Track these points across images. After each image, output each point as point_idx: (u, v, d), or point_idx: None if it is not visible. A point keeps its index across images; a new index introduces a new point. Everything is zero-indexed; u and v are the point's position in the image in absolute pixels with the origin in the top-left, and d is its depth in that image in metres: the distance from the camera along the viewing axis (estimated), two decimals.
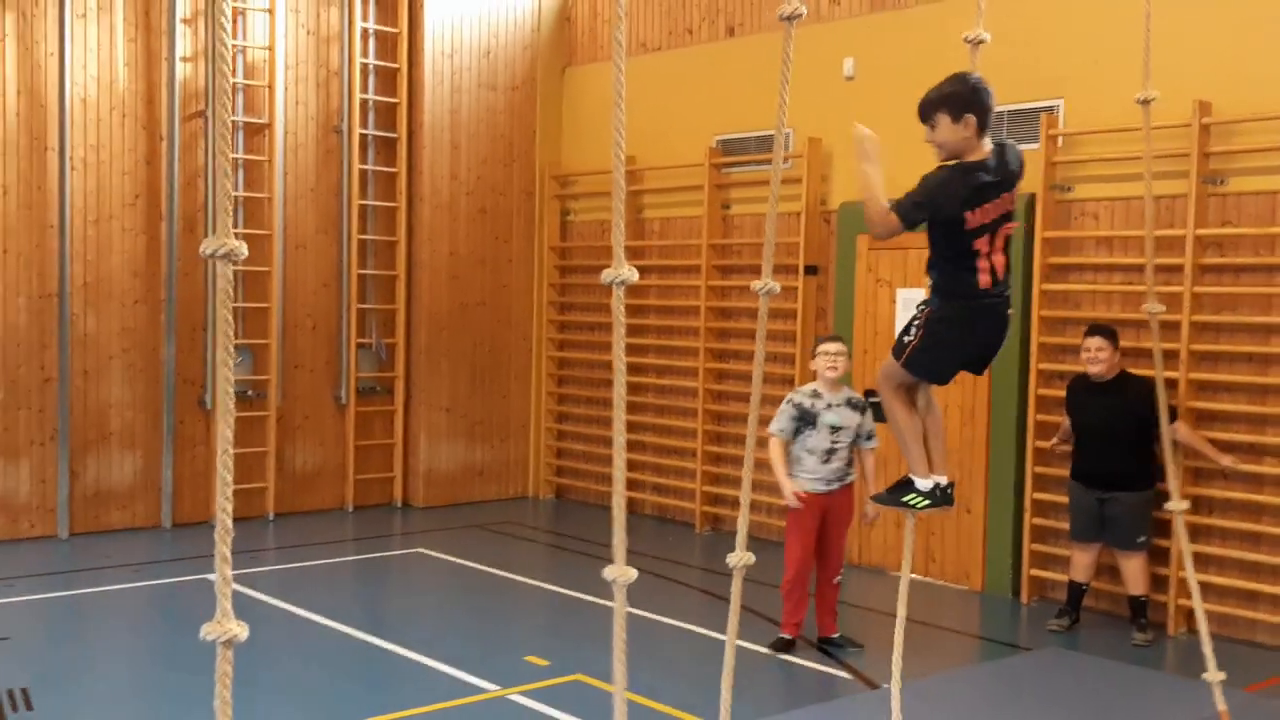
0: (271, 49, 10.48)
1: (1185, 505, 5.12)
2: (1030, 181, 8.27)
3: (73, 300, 9.70)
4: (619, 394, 3.11)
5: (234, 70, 10.41)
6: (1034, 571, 8.30)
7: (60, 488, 9.69)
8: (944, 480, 4.20)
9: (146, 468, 10.13)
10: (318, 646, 7.03)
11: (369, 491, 11.35)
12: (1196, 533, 7.61)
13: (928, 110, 3.92)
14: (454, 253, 11.47)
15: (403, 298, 11.37)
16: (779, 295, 10.47)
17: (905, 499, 4.24)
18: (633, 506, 11.32)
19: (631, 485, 11.30)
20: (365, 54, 11.14)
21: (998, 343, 4.09)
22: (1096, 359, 7.43)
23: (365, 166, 11.19)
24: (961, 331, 3.98)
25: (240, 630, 2.62)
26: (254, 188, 10.57)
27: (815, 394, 6.95)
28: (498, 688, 6.25)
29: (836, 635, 7.19)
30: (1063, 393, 8.05)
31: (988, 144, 3.89)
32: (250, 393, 10.61)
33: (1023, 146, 8.44)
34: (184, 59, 10.12)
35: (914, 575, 8.97)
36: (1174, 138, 7.59)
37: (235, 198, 10.45)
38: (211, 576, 8.73)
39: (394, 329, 11.40)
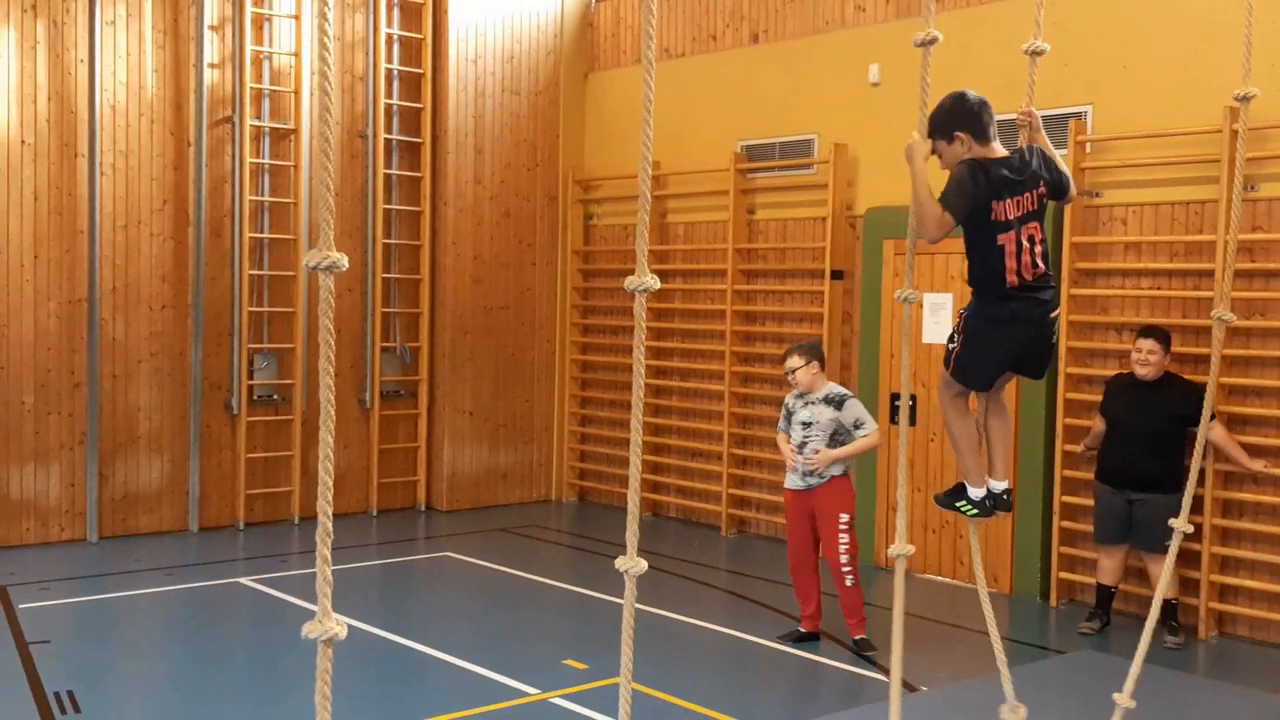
0: (298, 55, 10.54)
1: (1189, 528, 5.12)
2: None
3: (102, 305, 9.75)
4: (637, 395, 3.19)
5: (260, 76, 10.47)
6: (1063, 574, 8.34)
7: (89, 491, 9.74)
8: (999, 486, 4.29)
9: (174, 471, 10.18)
10: (355, 651, 7.06)
11: (393, 495, 11.40)
12: (1227, 536, 7.66)
13: (931, 137, 4.07)
14: (478, 256, 11.52)
15: (426, 301, 11.43)
16: (807, 300, 10.54)
17: (958, 505, 4.36)
18: (657, 509, 11.37)
19: (656, 488, 11.36)
20: (390, 59, 11.20)
21: (1042, 348, 4.14)
22: (1147, 361, 7.47)
23: (390, 171, 11.25)
24: (994, 331, 4.05)
25: (340, 629, 2.68)
26: (279, 193, 10.62)
27: (799, 394, 7.35)
28: (538, 691, 6.29)
29: (856, 639, 7.25)
30: (1092, 396, 8.10)
31: (999, 148, 4.02)
32: (275, 397, 10.67)
33: None
34: (211, 65, 10.18)
35: (942, 578, 9.05)
36: (1205, 143, 7.63)
37: (260, 202, 10.51)
38: (244, 580, 8.85)
39: (418, 332, 11.45)
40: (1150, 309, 8.06)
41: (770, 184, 10.39)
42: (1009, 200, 3.95)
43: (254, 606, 8.20)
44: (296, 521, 10.65)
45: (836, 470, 7.19)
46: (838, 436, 7.16)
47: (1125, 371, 7.74)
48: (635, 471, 3.10)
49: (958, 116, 3.99)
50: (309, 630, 2.66)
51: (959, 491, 4.35)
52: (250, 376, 10.48)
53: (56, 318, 9.61)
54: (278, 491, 10.63)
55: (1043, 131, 4.20)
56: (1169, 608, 7.50)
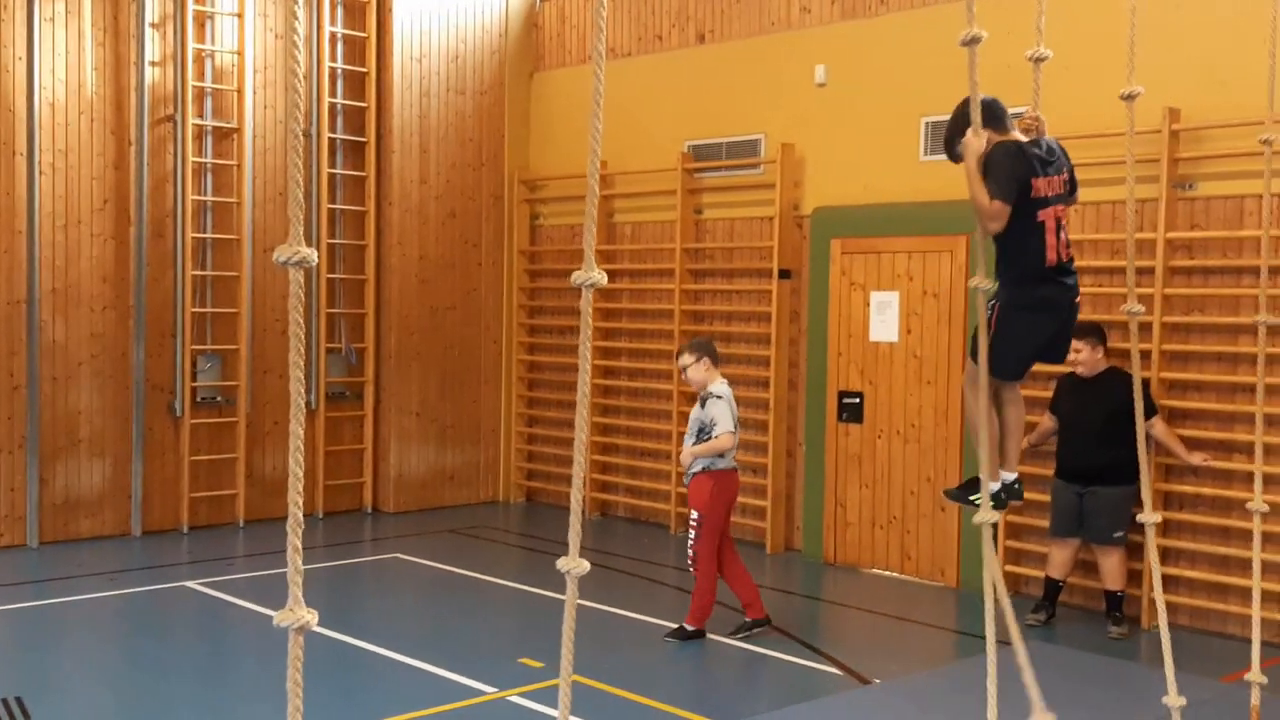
0: (240, 53, 10.43)
1: (1157, 518, 5.26)
2: None
3: (42, 306, 9.59)
4: (582, 392, 3.20)
5: (202, 74, 10.35)
6: (1009, 568, 8.46)
7: (29, 496, 9.57)
8: (1010, 477, 4.37)
9: (116, 475, 10.03)
10: (308, 653, 6.99)
11: (339, 497, 11.32)
12: (1168, 528, 7.81)
13: (949, 150, 4.26)
14: (423, 257, 11.47)
15: (372, 302, 11.35)
16: (755, 299, 10.64)
17: (972, 498, 4.37)
18: (606, 509, 11.38)
19: (605, 488, 11.38)
20: (334, 58, 11.12)
21: (1069, 332, 4.31)
22: (1075, 360, 7.61)
23: (334, 170, 11.17)
24: (1030, 317, 4.16)
25: (310, 617, 2.68)
26: (222, 192, 10.50)
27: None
28: (495, 690, 6.28)
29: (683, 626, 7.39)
30: (1038, 392, 8.22)
31: (1018, 134, 4.21)
32: (219, 398, 10.54)
33: None
34: (152, 63, 10.04)
35: (890, 572, 9.15)
36: (1145, 143, 7.77)
37: (203, 202, 10.39)
38: (190, 584, 8.76)
39: (363, 333, 11.37)
40: (1092, 306, 8.19)
41: (717, 184, 10.44)
42: (1044, 179, 4.11)
43: (201, 610, 8.10)
44: (241, 524, 10.53)
45: (698, 467, 7.30)
46: (702, 434, 7.27)
47: (1070, 371, 7.89)
48: (579, 469, 3.10)
49: (967, 116, 4.01)
50: (280, 619, 2.66)
51: (973, 486, 4.37)
52: (193, 378, 10.35)
53: None
54: (222, 494, 10.51)
55: (1048, 138, 4.35)
56: (1114, 599, 7.65)
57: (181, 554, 9.62)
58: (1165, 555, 7.83)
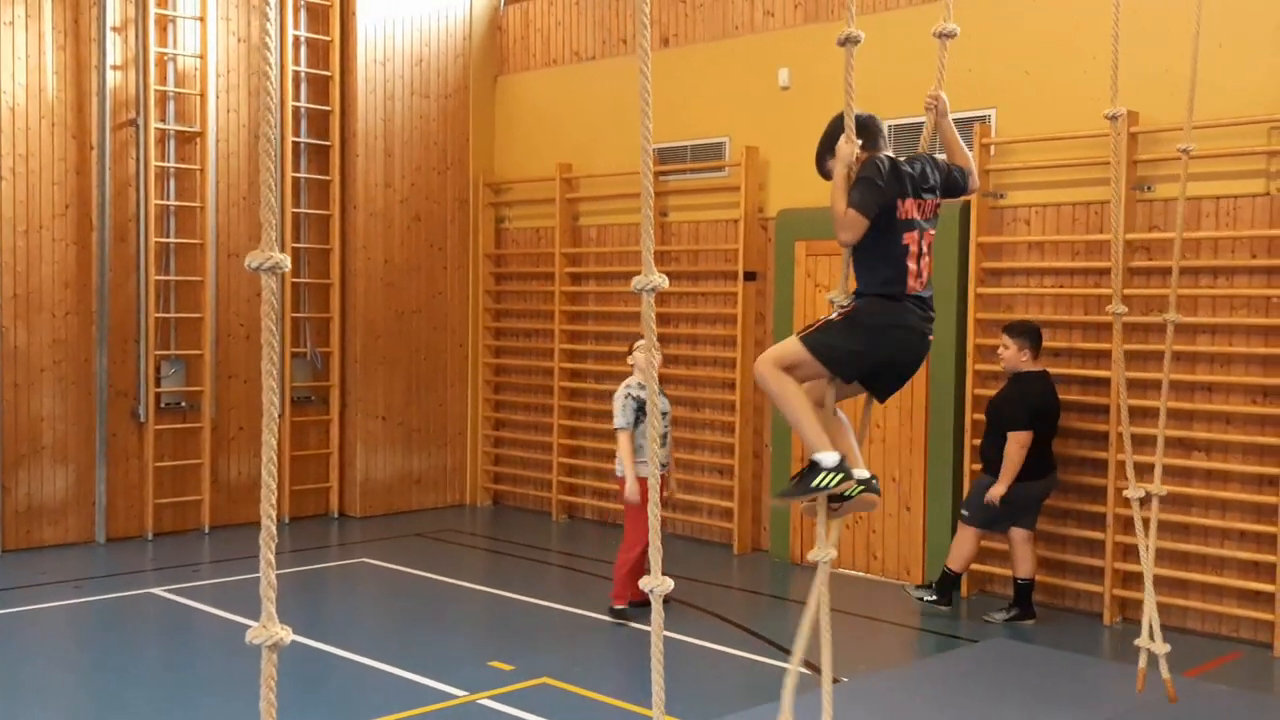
0: (203, 57, 10.39)
1: (1140, 493, 5.41)
2: None
3: (3, 312, 9.51)
4: (652, 403, 3.23)
5: (164, 78, 10.29)
6: (973, 566, 8.53)
7: None
8: (865, 473, 3.88)
9: (79, 482, 9.96)
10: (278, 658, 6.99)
11: (305, 502, 11.27)
12: (1128, 524, 7.90)
13: (819, 166, 4.08)
14: (389, 260, 11.45)
15: (337, 306, 11.32)
16: (720, 301, 10.67)
17: (815, 482, 3.79)
18: (573, 511, 11.40)
19: (572, 490, 11.40)
20: (297, 61, 11.08)
21: (913, 360, 3.98)
22: (999, 355, 7.93)
23: (298, 174, 11.13)
24: (882, 329, 3.87)
25: (285, 634, 2.67)
26: (186, 197, 10.45)
27: (641, 385, 7.85)
28: (466, 693, 6.29)
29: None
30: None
31: (890, 153, 4.05)
32: (183, 404, 10.49)
33: None
34: (114, 67, 9.98)
35: (856, 572, 9.21)
36: (1103, 146, 7.88)
37: (166, 206, 10.34)
38: (156, 590, 8.69)
39: (329, 338, 11.34)
40: (1054, 306, 8.31)
41: (682, 187, 10.49)
42: (913, 201, 3.92)
43: (167, 617, 8.07)
44: (207, 530, 10.47)
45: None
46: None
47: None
48: (654, 480, 3.12)
49: (838, 131, 3.96)
50: (253, 636, 2.64)
51: (810, 471, 3.80)
52: (157, 384, 10.29)
53: None
54: (187, 500, 10.45)
55: (949, 117, 4.21)
56: (1023, 587, 7.89)
57: (146, 561, 9.56)
58: (1126, 551, 7.94)
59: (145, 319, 10.14)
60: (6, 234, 9.52)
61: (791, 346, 3.94)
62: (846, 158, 3.91)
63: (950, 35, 4.16)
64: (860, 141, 3.93)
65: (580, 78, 11.27)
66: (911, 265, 3.89)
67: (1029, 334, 7.83)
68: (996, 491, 7.70)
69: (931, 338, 4.05)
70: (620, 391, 7.95)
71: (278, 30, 10.85)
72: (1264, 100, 7.40)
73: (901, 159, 4.00)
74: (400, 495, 11.63)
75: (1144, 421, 7.85)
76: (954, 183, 4.18)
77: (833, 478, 3.76)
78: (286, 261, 2.62)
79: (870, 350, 3.90)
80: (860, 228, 3.85)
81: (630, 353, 8.18)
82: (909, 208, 3.91)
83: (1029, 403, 7.73)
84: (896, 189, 3.89)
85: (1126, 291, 7.81)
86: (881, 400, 4.14)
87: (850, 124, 3.88)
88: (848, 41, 4.01)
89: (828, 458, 3.77)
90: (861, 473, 3.85)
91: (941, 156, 4.26)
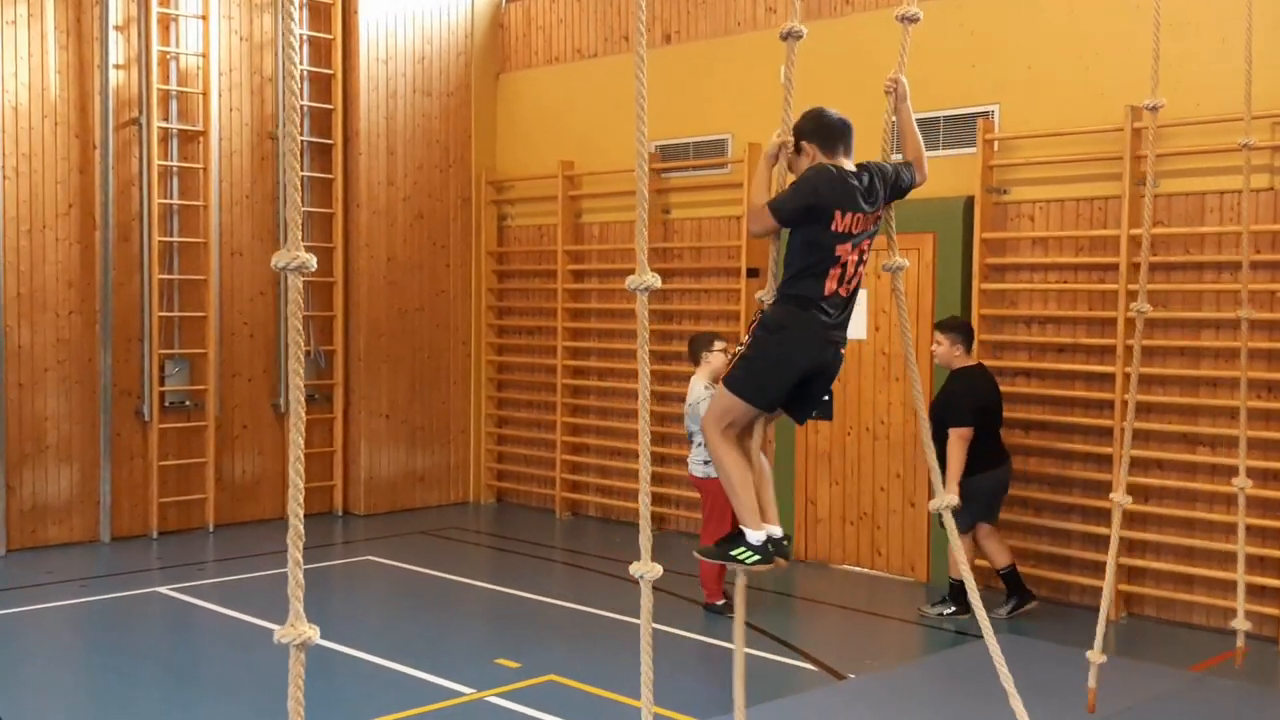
0: (206, 55, 10.38)
1: (1127, 500, 5.41)
2: (968, 184, 8.58)
3: (6, 312, 9.51)
4: (644, 400, 3.26)
5: (167, 77, 10.29)
6: (979, 562, 8.55)
7: None
8: (778, 532, 3.93)
9: (84, 481, 9.96)
10: (280, 657, 7.00)
11: (309, 500, 11.23)
12: (1133, 520, 7.93)
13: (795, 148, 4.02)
14: (392, 259, 11.46)
15: (341, 304, 11.33)
16: (723, 298, 10.65)
17: (735, 553, 3.91)
18: (576, 508, 11.42)
19: (576, 487, 11.41)
20: (300, 60, 11.08)
21: (827, 369, 3.92)
22: (933, 351, 7.93)
23: (301, 173, 11.11)
24: (796, 341, 3.82)
25: (312, 632, 2.68)
26: (189, 195, 10.45)
27: (707, 386, 7.62)
28: (473, 691, 6.31)
29: (722, 602, 7.84)
30: (1003, 387, 8.35)
31: (848, 163, 3.95)
32: (187, 403, 10.49)
33: (960, 151, 8.73)
34: (117, 66, 9.98)
35: (861, 568, 9.23)
36: (1108, 141, 7.91)
37: (169, 205, 10.34)
38: (162, 589, 8.69)
39: (332, 336, 11.35)
40: (1057, 302, 8.33)
41: (685, 184, 10.49)
42: (852, 215, 3.81)
43: (172, 616, 8.08)
44: (211, 529, 10.48)
45: None
46: None
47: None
48: (645, 485, 3.17)
49: (804, 129, 3.98)
50: (282, 635, 2.66)
51: (735, 540, 3.91)
52: (161, 383, 10.29)
53: None
54: (191, 499, 10.46)
55: (908, 101, 4.13)
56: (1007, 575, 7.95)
57: (151, 559, 9.57)
58: (1131, 547, 7.96)
59: (149, 318, 10.14)
60: (10, 233, 9.52)
61: (722, 397, 3.90)
62: (772, 150, 3.92)
63: (913, 20, 4.09)
64: (815, 143, 3.94)
65: (582, 75, 11.27)
66: (834, 271, 3.81)
67: (960, 329, 7.87)
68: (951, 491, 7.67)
69: (843, 350, 3.96)
70: (699, 390, 7.69)
71: (274, 31, 10.85)
72: (1270, 96, 7.41)
73: (849, 169, 3.93)
74: (404, 493, 11.64)
75: (1149, 417, 7.88)
76: (900, 185, 4.04)
77: (751, 557, 3.88)
78: (313, 261, 2.64)
79: (781, 366, 3.84)
80: (767, 226, 3.85)
81: (710, 350, 7.81)
82: (847, 221, 3.82)
83: (973, 398, 7.71)
84: (834, 200, 3.80)
85: (1130, 287, 7.84)
86: (800, 422, 4.21)
87: (788, 116, 3.89)
88: (789, 36, 4.00)
89: (755, 536, 3.89)
90: (775, 530, 3.93)
91: (896, 157, 4.15)
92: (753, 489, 3.88)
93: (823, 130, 3.97)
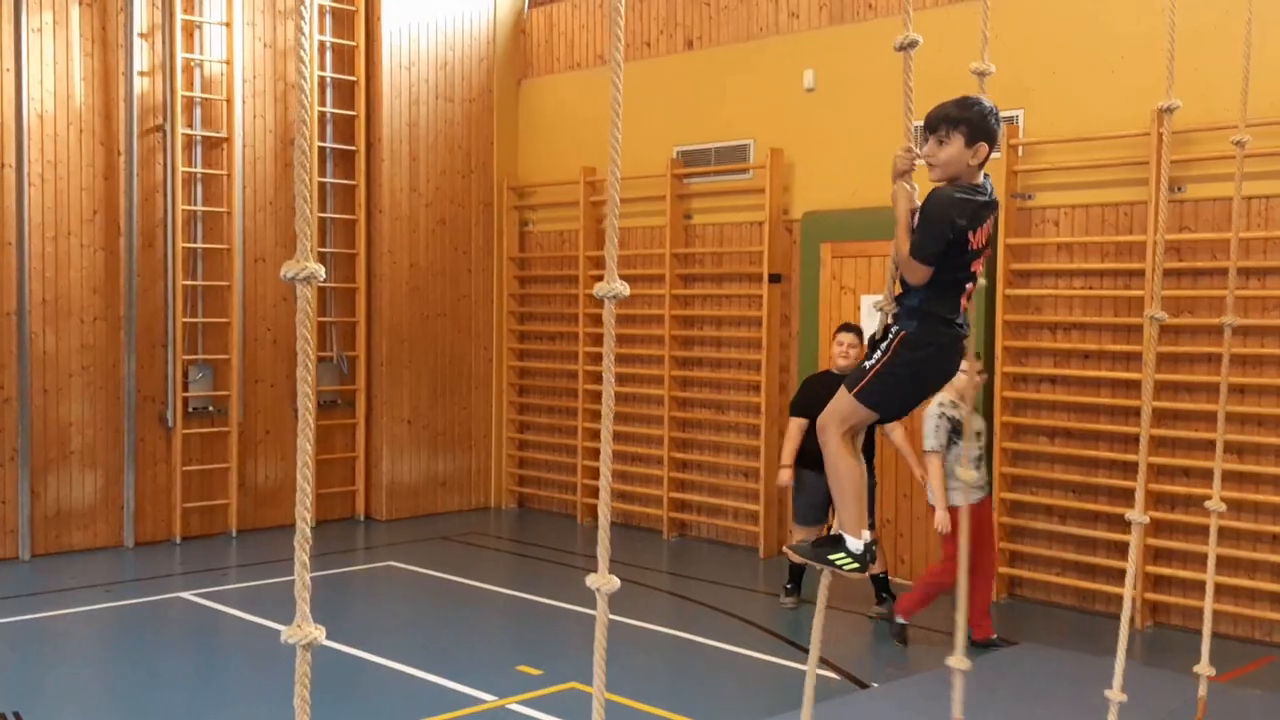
0: (229, 62, 10.43)
1: (1145, 519, 5.30)
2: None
3: (31, 318, 9.57)
4: (607, 405, 3.24)
5: (191, 84, 10.34)
6: (1002, 569, 8.49)
7: (21, 508, 9.54)
8: (870, 537, 3.85)
9: (108, 486, 10.01)
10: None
11: (331, 506, 11.30)
12: (1159, 528, 7.85)
13: (944, 124, 3.60)
14: (414, 264, 11.48)
15: (363, 310, 11.35)
16: (745, 303, 10.64)
17: (834, 558, 3.82)
18: (597, 514, 11.37)
19: (596, 493, 11.34)
20: (323, 67, 11.12)
21: (945, 381, 3.87)
22: (847, 354, 7.71)
23: (324, 179, 11.16)
24: (937, 357, 3.69)
25: (319, 633, 2.67)
26: (212, 202, 10.50)
27: (954, 404, 6.88)
28: (495, 698, 6.29)
29: (994, 636, 7.35)
30: (1027, 394, 8.31)
31: (981, 176, 3.66)
32: (211, 408, 10.53)
33: None
34: (141, 73, 10.03)
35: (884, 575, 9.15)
36: (1133, 147, 7.84)
37: (193, 212, 10.38)
38: (185, 594, 8.71)
39: (354, 342, 11.37)
40: (1082, 308, 8.26)
41: (707, 189, 10.47)
42: (981, 229, 3.61)
43: (195, 621, 8.10)
44: (234, 534, 10.51)
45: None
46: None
47: (822, 370, 8.14)
48: (605, 484, 3.12)
49: (992, 131, 3.62)
50: (289, 635, 2.65)
51: (835, 543, 3.81)
52: (185, 388, 10.34)
53: None
54: (214, 504, 10.50)
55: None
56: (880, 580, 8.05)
57: (175, 565, 9.60)
58: (1156, 554, 7.88)
59: (173, 324, 10.19)
60: (35, 240, 9.58)
61: (847, 403, 3.73)
62: (900, 170, 3.57)
63: (912, 45, 3.75)
64: (988, 145, 3.59)
65: (604, 81, 11.19)
66: (970, 287, 3.67)
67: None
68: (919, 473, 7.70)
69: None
70: (932, 409, 7.05)
71: (298, 38, 10.88)
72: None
73: (979, 181, 3.64)
74: (426, 498, 11.65)
75: (1174, 424, 7.80)
76: None
77: (850, 564, 3.77)
78: (322, 272, 2.62)
79: (922, 384, 3.77)
80: (923, 276, 3.55)
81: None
82: (980, 237, 3.59)
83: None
84: (969, 223, 3.53)
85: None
86: (883, 423, 4.15)
87: (912, 135, 3.54)
88: (907, 46, 3.75)
89: (855, 544, 3.77)
90: (869, 536, 3.83)
91: None
92: (864, 497, 3.79)
93: (995, 140, 3.63)
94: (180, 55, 10.15)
